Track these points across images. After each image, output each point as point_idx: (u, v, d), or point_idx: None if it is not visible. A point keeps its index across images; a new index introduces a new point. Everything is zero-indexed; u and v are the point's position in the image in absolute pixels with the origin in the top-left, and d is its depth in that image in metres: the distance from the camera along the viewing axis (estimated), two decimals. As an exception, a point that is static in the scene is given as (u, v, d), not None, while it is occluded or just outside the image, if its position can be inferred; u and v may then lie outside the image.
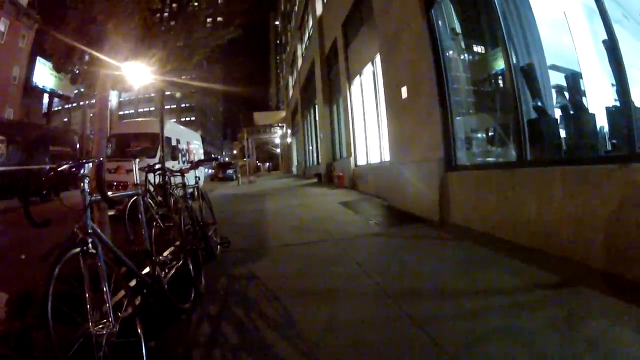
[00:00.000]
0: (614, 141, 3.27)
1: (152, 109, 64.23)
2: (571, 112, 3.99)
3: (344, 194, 9.07)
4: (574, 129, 3.93)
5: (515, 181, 3.57)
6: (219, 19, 4.23)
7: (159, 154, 8.20)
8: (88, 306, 1.49)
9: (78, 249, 1.51)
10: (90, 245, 1.56)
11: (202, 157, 15.38)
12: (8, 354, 1.58)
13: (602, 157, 3.34)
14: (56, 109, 44.66)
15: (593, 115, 3.55)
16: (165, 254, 2.60)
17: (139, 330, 1.78)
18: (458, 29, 5.24)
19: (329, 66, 13.47)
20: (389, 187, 6.67)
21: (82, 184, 1.59)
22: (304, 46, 19.45)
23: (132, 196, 2.43)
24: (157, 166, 3.26)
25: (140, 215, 2.33)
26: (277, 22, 48.79)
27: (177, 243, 2.89)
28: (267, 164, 52.53)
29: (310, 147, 19.45)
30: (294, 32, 23.32)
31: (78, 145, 19.69)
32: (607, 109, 3.27)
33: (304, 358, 1.84)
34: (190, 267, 2.79)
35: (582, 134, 3.80)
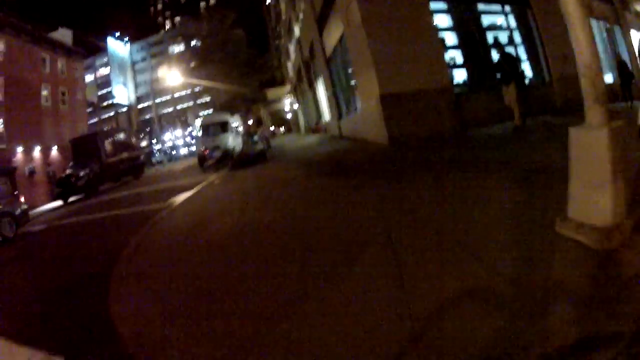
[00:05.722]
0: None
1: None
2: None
3: (317, 135, 18.65)
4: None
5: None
6: None
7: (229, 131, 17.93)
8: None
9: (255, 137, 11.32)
10: (255, 138, 11.42)
11: (240, 130, 25.01)
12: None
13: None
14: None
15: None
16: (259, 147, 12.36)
17: (259, 155, 11.50)
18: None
19: (307, 66, 22.15)
20: (330, 129, 16.10)
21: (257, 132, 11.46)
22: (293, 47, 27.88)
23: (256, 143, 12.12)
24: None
25: (252, 143, 12.02)
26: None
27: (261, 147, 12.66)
28: (281, 128, 60.97)
29: (308, 112, 28.57)
30: (286, 36, 31.43)
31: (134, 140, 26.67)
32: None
33: (293, 158, 11.57)
34: (264, 154, 12.57)
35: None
